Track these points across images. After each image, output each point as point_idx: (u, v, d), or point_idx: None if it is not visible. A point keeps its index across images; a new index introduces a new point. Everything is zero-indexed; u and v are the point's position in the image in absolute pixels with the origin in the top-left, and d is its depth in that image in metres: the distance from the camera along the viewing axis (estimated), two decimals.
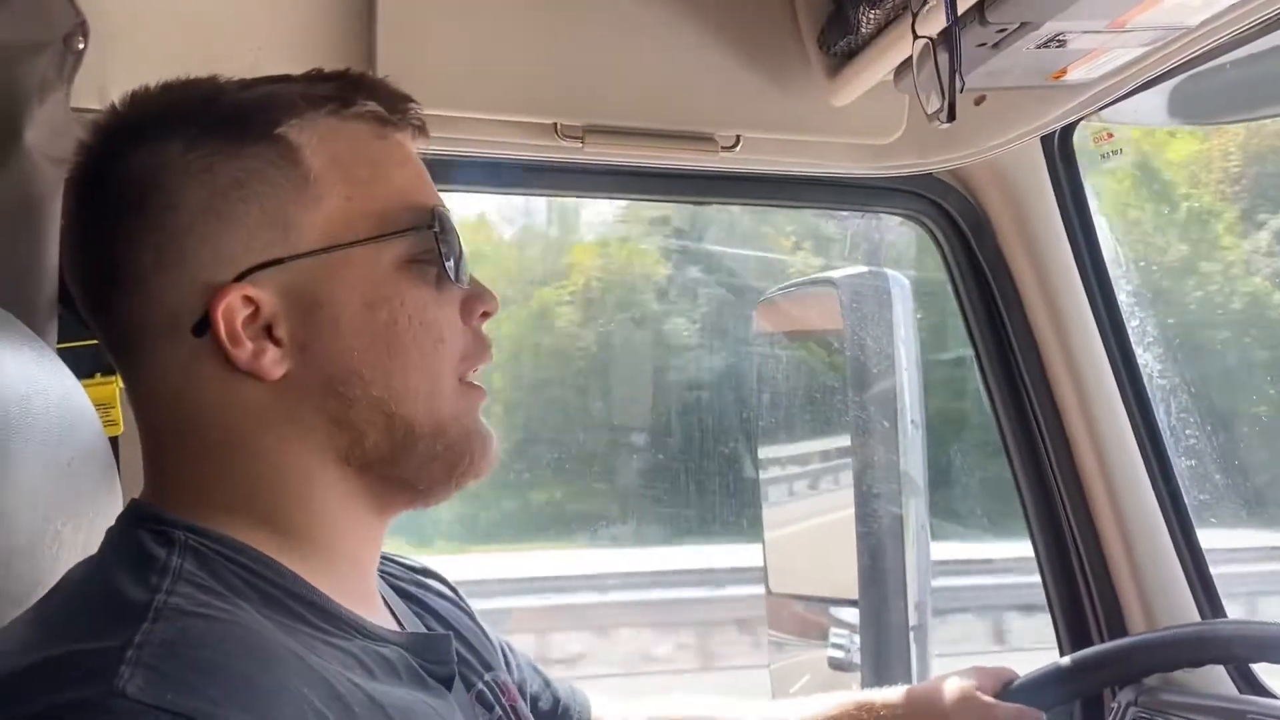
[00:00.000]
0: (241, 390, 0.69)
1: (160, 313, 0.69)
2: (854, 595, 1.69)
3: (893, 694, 1.09)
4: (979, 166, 1.38)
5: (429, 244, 0.72)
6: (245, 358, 0.68)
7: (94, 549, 0.85)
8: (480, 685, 0.78)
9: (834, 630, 1.83)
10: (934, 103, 0.99)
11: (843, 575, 1.73)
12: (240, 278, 0.68)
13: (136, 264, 0.69)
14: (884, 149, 1.30)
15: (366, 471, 0.72)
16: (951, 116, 0.94)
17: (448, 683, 0.74)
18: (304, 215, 0.70)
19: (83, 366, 1.15)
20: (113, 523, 0.88)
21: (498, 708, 0.78)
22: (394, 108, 0.74)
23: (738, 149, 1.25)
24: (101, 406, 1.14)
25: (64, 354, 1.13)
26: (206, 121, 0.70)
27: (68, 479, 0.80)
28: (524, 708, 0.83)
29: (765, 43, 1.22)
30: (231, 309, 0.68)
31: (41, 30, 1.09)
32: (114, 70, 1.13)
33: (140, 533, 0.68)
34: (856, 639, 1.74)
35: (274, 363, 0.69)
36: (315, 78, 0.74)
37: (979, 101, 1.27)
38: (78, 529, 0.80)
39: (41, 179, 1.10)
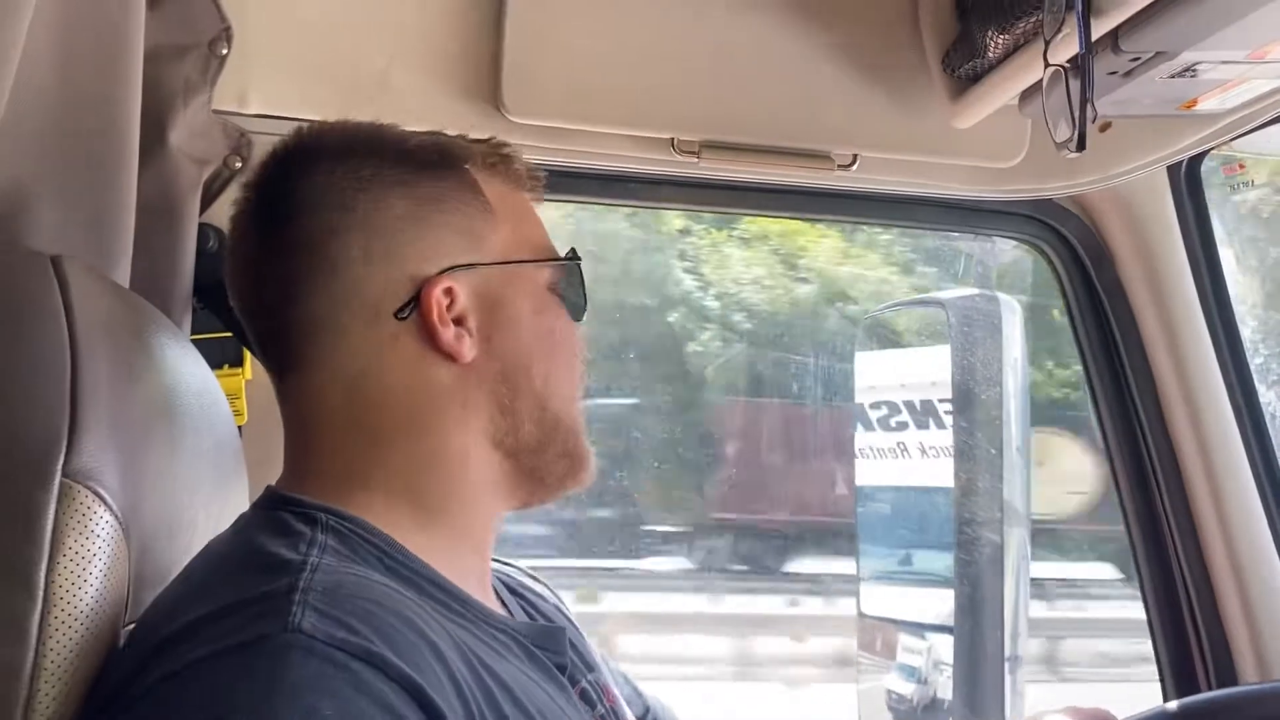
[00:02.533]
0: (432, 370, 0.78)
1: (361, 300, 0.78)
2: (949, 622, 1.67)
3: None
4: (1101, 193, 1.35)
5: (570, 276, 0.85)
6: (449, 338, 0.78)
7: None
8: (585, 683, 0.80)
9: (904, 650, 1.81)
10: (1063, 131, 0.97)
11: (937, 601, 1.71)
12: (444, 272, 0.79)
13: (343, 254, 0.78)
14: (1004, 173, 1.29)
15: (513, 458, 0.80)
16: (1081, 146, 0.93)
17: (562, 671, 0.78)
18: (489, 233, 0.81)
19: (212, 358, 1.20)
20: (239, 508, 0.93)
21: (600, 706, 0.80)
22: (530, 174, 0.87)
23: (854, 168, 1.25)
24: (228, 397, 1.19)
25: (196, 344, 1.19)
26: (401, 152, 0.81)
27: (204, 466, 0.84)
28: (624, 709, 0.85)
29: (888, 62, 1.21)
30: (438, 296, 0.78)
31: (188, 34, 1.13)
32: (253, 75, 1.18)
33: (281, 513, 0.73)
34: (938, 666, 1.72)
35: (469, 347, 0.79)
36: (475, 141, 0.86)
37: (1104, 128, 1.24)
38: (209, 515, 0.84)
39: (183, 178, 1.15)
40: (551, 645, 0.79)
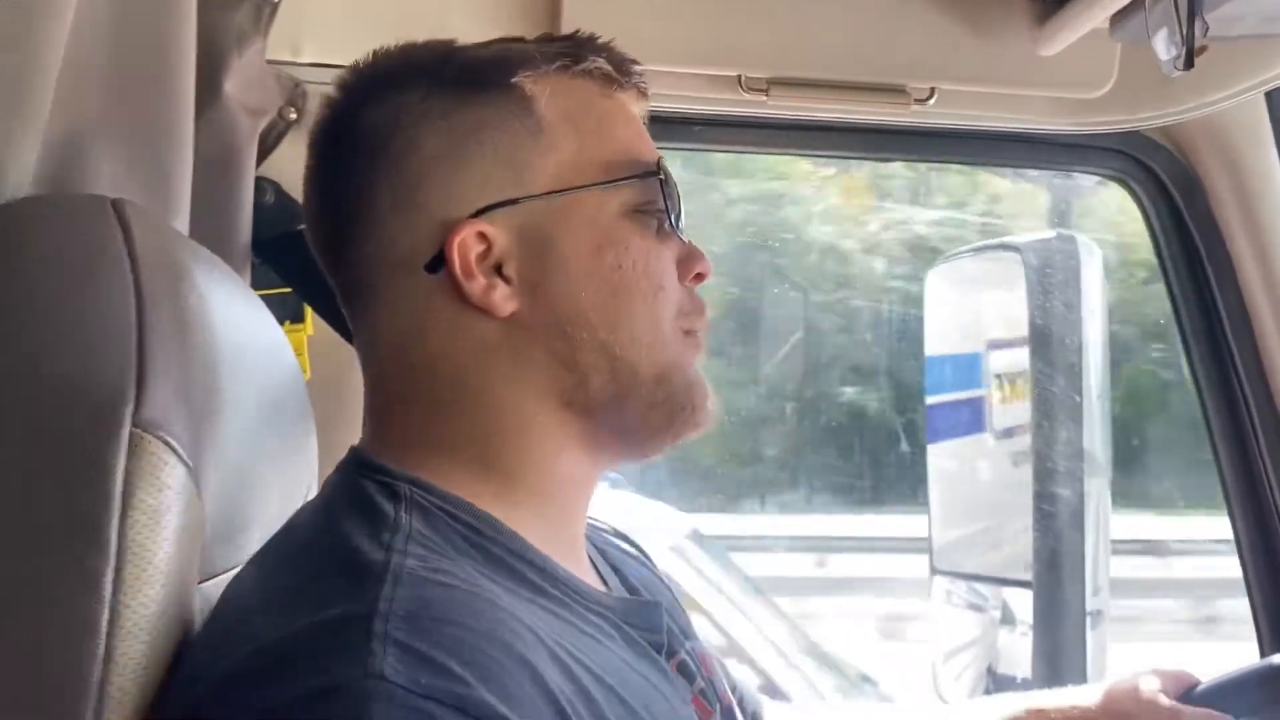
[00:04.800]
0: (472, 326, 0.71)
1: (396, 252, 0.71)
2: (1027, 577, 1.62)
3: (1065, 697, 1.03)
4: (1193, 124, 1.28)
5: (652, 194, 0.74)
6: (477, 291, 0.70)
7: (294, 491, 0.87)
8: (682, 654, 0.76)
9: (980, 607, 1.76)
10: (1165, 50, 0.91)
11: (1015, 555, 1.66)
12: (475, 216, 0.70)
13: (375, 205, 0.72)
14: (1090, 103, 1.22)
15: (588, 416, 0.72)
16: (1190, 63, 0.87)
17: (658, 650, 0.73)
18: (537, 159, 0.72)
19: (272, 313, 1.18)
20: (308, 465, 0.91)
21: (698, 678, 0.76)
22: (621, 69, 0.76)
23: (931, 102, 1.19)
24: None
25: None
26: (444, 74, 0.73)
27: (271, 420, 0.81)
28: (721, 681, 0.81)
29: None
30: (465, 244, 0.70)
31: None
32: (307, 24, 1.15)
33: (365, 483, 0.69)
34: (1016, 623, 1.67)
35: (504, 299, 0.70)
36: (545, 39, 0.77)
37: (1199, 51, 1.17)
38: (278, 470, 0.82)
39: (238, 128, 1.12)
40: (647, 623, 0.73)
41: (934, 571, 1.79)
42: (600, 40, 0.76)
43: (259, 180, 1.17)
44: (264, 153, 1.18)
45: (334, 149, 0.75)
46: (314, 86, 1.20)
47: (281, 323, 1.19)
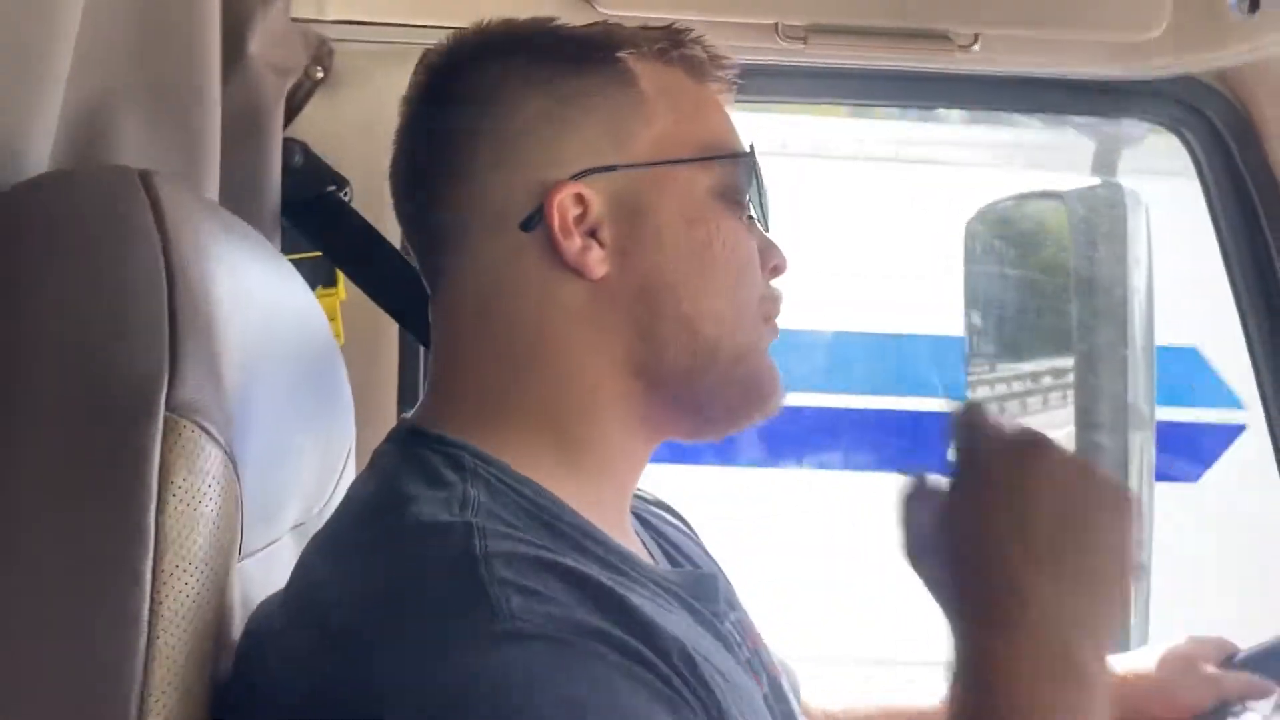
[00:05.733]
0: (560, 286, 0.71)
1: (488, 208, 0.72)
2: None
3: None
4: (1249, 68, 1.22)
5: (744, 179, 0.75)
6: (574, 251, 0.70)
7: (333, 459, 0.86)
8: (728, 624, 0.75)
9: None
10: None
11: None
12: (575, 178, 0.71)
13: (474, 160, 0.72)
14: (1140, 47, 1.17)
15: (657, 389, 0.73)
16: (1255, 5, 0.83)
17: (718, 620, 0.73)
18: (638, 130, 0.73)
19: (304, 278, 1.17)
20: (344, 431, 0.90)
21: (744, 649, 0.75)
22: (715, 61, 0.77)
23: (975, 48, 1.15)
24: None
25: None
26: (549, 43, 0.75)
27: (307, 388, 0.81)
28: (766, 652, 0.80)
29: None
30: (564, 204, 0.70)
31: None
32: None
33: (426, 453, 0.69)
34: None
35: (598, 261, 0.71)
36: (644, 26, 0.78)
37: None
38: (316, 439, 0.81)
39: (265, 88, 1.10)
40: (706, 595, 0.73)
41: None
42: (694, 33, 0.77)
43: (287, 142, 1.15)
44: (291, 113, 1.16)
45: (434, 105, 0.76)
46: (340, 44, 1.18)
47: (314, 287, 1.17)
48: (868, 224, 3.28)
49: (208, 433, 0.56)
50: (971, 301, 1.78)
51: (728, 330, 0.73)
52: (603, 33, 0.76)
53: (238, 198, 1.04)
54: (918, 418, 3.31)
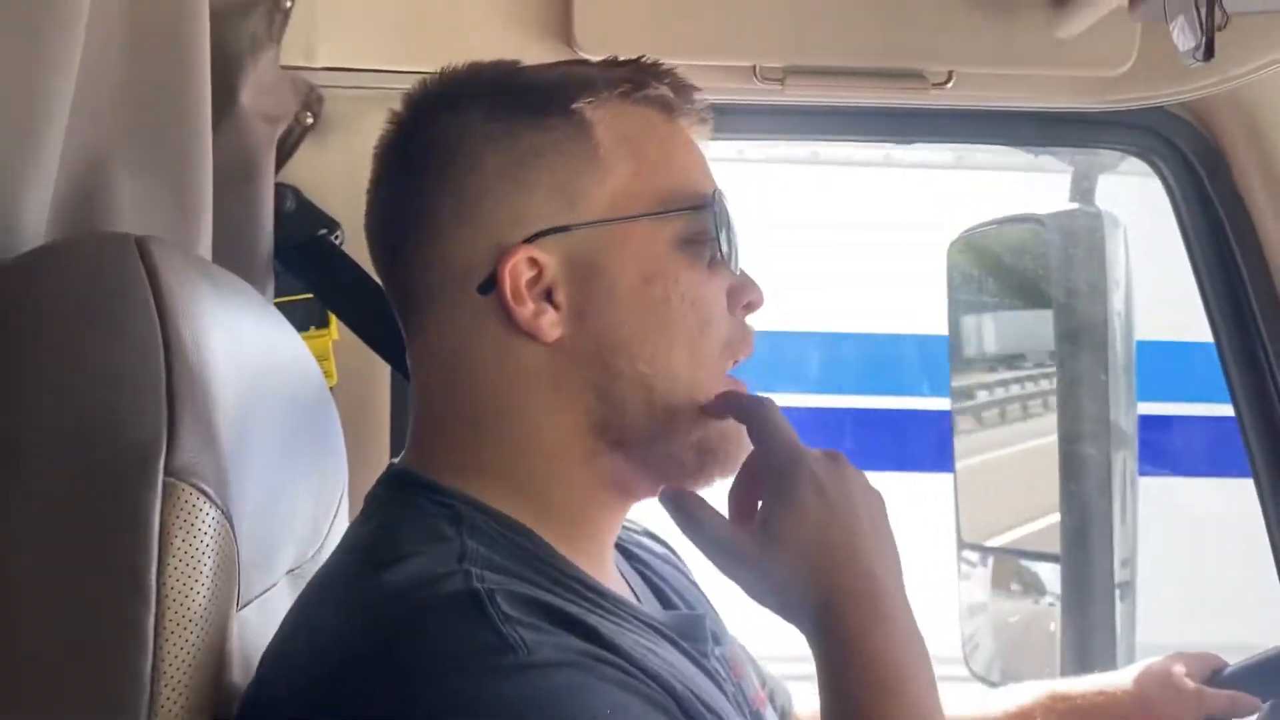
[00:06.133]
0: (517, 351, 0.71)
1: (450, 269, 0.72)
2: (1054, 549, 1.62)
3: (1089, 683, 1.04)
4: (1216, 99, 1.25)
5: (706, 225, 0.74)
6: (526, 316, 0.71)
7: (325, 504, 0.88)
8: (714, 660, 0.77)
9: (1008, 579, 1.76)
10: (1184, 37, 0.90)
11: (1043, 528, 1.66)
12: (528, 240, 0.71)
13: (434, 220, 0.73)
14: (1111, 81, 1.20)
15: (620, 449, 0.73)
16: (1209, 54, 0.86)
17: (707, 659, 0.74)
18: (591, 187, 0.72)
19: (297, 321, 1.18)
20: (338, 472, 0.92)
21: (729, 683, 0.77)
22: (682, 95, 0.76)
23: (949, 85, 1.18)
24: (316, 359, 1.18)
25: (279, 308, 1.17)
26: (508, 94, 0.74)
27: (302, 435, 0.83)
28: (750, 685, 0.82)
29: None
30: (517, 269, 0.71)
31: None
32: (320, 28, 1.15)
33: (421, 500, 0.70)
34: (1044, 595, 1.68)
35: (551, 325, 0.71)
36: (610, 63, 0.77)
37: (1221, 26, 1.15)
38: (310, 484, 0.83)
39: (255, 137, 1.12)
40: (694, 635, 0.74)
41: (961, 543, 1.80)
42: (664, 67, 0.77)
43: (278, 187, 1.17)
44: (282, 158, 1.19)
45: (400, 161, 0.76)
46: (329, 90, 1.20)
47: (306, 328, 1.20)
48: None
49: (205, 494, 0.59)
50: (954, 318, 1.82)
51: (684, 388, 0.72)
52: (562, 80, 0.74)
53: (231, 244, 1.06)
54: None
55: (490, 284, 0.71)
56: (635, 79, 0.75)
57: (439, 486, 0.71)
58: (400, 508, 0.71)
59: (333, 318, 1.21)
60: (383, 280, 0.78)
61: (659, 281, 0.72)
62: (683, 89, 0.76)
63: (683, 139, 0.76)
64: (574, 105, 0.72)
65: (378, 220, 0.78)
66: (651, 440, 0.72)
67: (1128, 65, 1.18)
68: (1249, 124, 1.26)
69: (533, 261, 0.71)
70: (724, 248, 0.74)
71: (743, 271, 0.76)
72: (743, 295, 0.76)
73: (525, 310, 0.71)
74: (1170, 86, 1.22)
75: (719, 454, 0.74)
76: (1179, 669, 1.02)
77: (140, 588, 0.56)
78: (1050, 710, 1.01)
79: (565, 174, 0.72)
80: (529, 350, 0.71)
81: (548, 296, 0.71)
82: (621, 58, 0.78)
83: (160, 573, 0.56)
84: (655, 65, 0.77)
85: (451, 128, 0.73)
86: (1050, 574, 1.65)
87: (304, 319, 1.19)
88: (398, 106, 0.78)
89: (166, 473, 0.57)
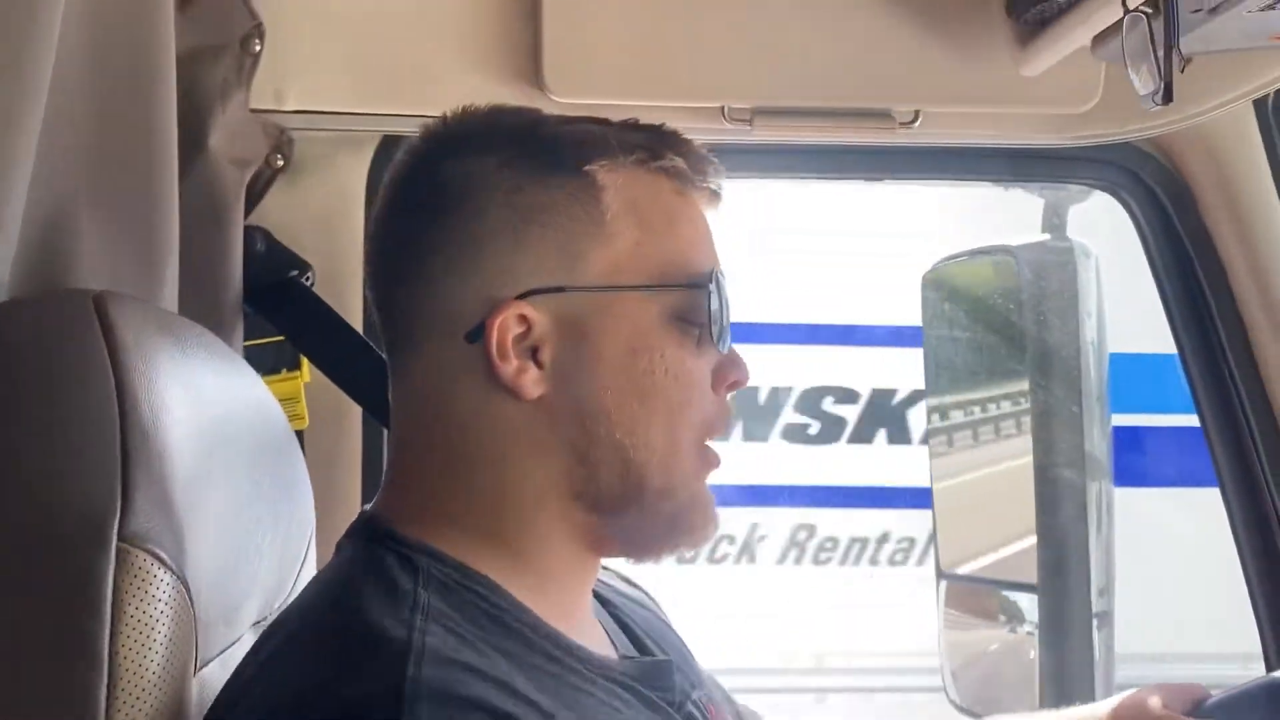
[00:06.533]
0: (497, 405, 0.71)
1: (441, 313, 0.72)
2: (1031, 579, 1.62)
3: (1068, 715, 1.04)
4: (1180, 135, 1.27)
5: (700, 303, 0.74)
6: (509, 373, 0.71)
7: (292, 552, 0.88)
8: (689, 706, 0.77)
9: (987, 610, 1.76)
10: (1145, 80, 0.91)
11: (1020, 559, 1.66)
12: (521, 296, 0.71)
13: (432, 264, 0.73)
14: (1077, 118, 1.21)
15: (594, 511, 0.73)
16: (1168, 98, 0.86)
17: (673, 708, 0.74)
18: (593, 250, 0.72)
19: (267, 363, 1.19)
20: (304, 520, 0.92)
21: None
22: (697, 168, 0.77)
23: (917, 124, 1.19)
24: (287, 401, 1.17)
25: (250, 351, 1.17)
26: (523, 146, 0.74)
27: (265, 488, 0.82)
28: None
29: (948, 10, 1.15)
30: (506, 324, 0.71)
31: (219, 34, 1.11)
32: (289, 71, 1.15)
33: (383, 553, 0.70)
34: (1022, 626, 1.68)
35: (533, 383, 0.71)
36: (629, 125, 0.77)
37: (1184, 65, 1.16)
38: (275, 536, 0.82)
39: (225, 181, 1.12)
40: (659, 683, 0.74)
41: (940, 573, 1.80)
42: (681, 137, 0.77)
43: (249, 229, 1.17)
44: (252, 201, 1.19)
45: (408, 197, 0.76)
46: (300, 133, 1.21)
47: (278, 370, 1.20)
48: None
49: (159, 559, 0.58)
50: (930, 347, 1.82)
51: (658, 461, 0.72)
52: (579, 137, 0.74)
53: (200, 288, 1.06)
54: None
55: (479, 333, 0.71)
56: (652, 147, 0.75)
57: (404, 539, 0.71)
58: (362, 562, 0.71)
59: (304, 360, 1.21)
60: (376, 313, 0.78)
61: (645, 354, 0.72)
62: (698, 162, 0.77)
63: (690, 213, 0.76)
64: (587, 167, 0.73)
65: (377, 253, 0.78)
66: (624, 506, 0.73)
67: (1093, 102, 1.20)
68: (1214, 159, 1.28)
69: (522, 318, 0.71)
70: (714, 328, 0.74)
71: (731, 349, 0.76)
72: (728, 374, 0.76)
73: (509, 367, 0.71)
74: (1135, 123, 1.23)
75: (679, 529, 0.74)
76: (1156, 700, 1.02)
77: (92, 655, 0.56)
78: None
79: (569, 234, 0.72)
80: (510, 405, 0.71)
81: (534, 353, 0.71)
82: (643, 121, 0.78)
83: (113, 640, 0.56)
84: (674, 135, 0.77)
85: (462, 172, 0.73)
86: (1029, 603, 1.65)
87: (275, 361, 1.19)
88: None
89: (120, 539, 0.57)
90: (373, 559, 0.70)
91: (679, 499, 0.74)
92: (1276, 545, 1.29)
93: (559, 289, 0.71)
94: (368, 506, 0.78)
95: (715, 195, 0.78)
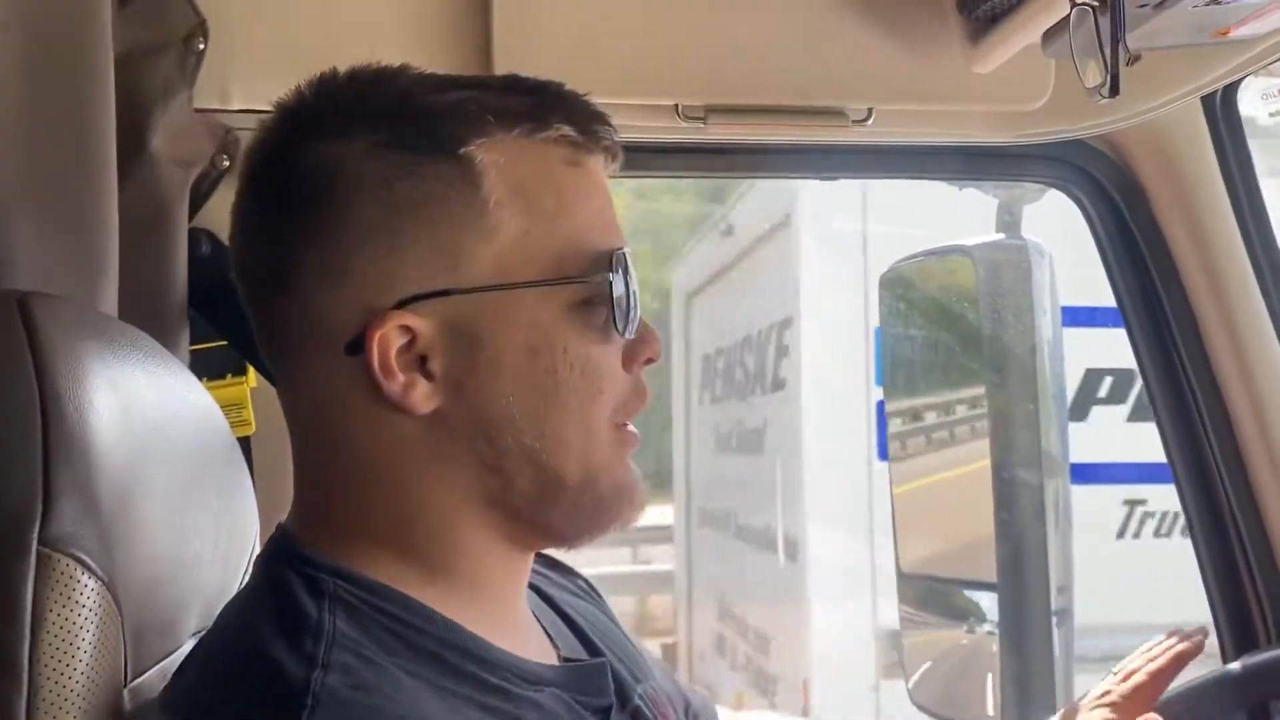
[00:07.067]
0: (389, 421, 0.66)
1: (319, 324, 0.66)
2: (990, 578, 1.63)
3: None
4: (1130, 132, 1.28)
5: (603, 290, 0.67)
6: (395, 391, 0.65)
7: (234, 560, 0.86)
8: (635, 700, 0.74)
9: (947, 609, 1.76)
10: (1092, 74, 0.91)
11: (978, 558, 1.66)
12: (401, 305, 0.65)
13: (303, 270, 0.66)
14: (1028, 116, 1.22)
15: (513, 518, 0.69)
16: (1115, 91, 0.87)
17: (606, 713, 0.71)
18: (477, 246, 0.65)
19: (213, 367, 1.16)
20: (246, 526, 0.89)
21: None
22: (588, 130, 0.69)
23: (869, 122, 1.18)
24: (233, 407, 1.15)
25: (196, 355, 1.15)
26: (391, 127, 0.66)
27: (205, 495, 0.80)
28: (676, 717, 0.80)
29: (900, 9, 1.15)
30: (387, 338, 0.64)
31: (162, 32, 1.08)
32: (234, 70, 1.13)
33: (289, 575, 0.66)
34: (982, 625, 1.68)
35: (424, 397, 0.65)
36: (512, 87, 0.69)
37: (1132, 61, 1.17)
38: (217, 544, 0.80)
39: (168, 183, 1.10)
40: (592, 689, 0.71)
41: (900, 572, 1.80)
42: (569, 95, 0.69)
43: (193, 232, 1.15)
44: (197, 203, 1.16)
45: (268, 191, 0.68)
46: (246, 132, 1.18)
47: (224, 375, 1.18)
48: None
49: (84, 564, 0.56)
50: (887, 348, 1.83)
51: (575, 458, 0.68)
52: (454, 112, 0.66)
53: (142, 292, 1.03)
54: None
55: (359, 345, 0.65)
56: (536, 115, 0.67)
57: (310, 559, 0.66)
58: (267, 586, 0.67)
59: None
60: (251, 319, 0.71)
61: (546, 352, 0.66)
62: (591, 122, 0.69)
63: (586, 186, 0.69)
64: (463, 149, 0.65)
65: (240, 250, 0.70)
66: (545, 507, 0.69)
67: (1044, 100, 1.20)
68: (1164, 155, 1.29)
69: (405, 329, 0.64)
70: (620, 315, 0.68)
71: (641, 322, 0.71)
72: (641, 352, 0.71)
73: (394, 384, 0.64)
74: (1086, 120, 1.24)
75: (605, 514, 0.70)
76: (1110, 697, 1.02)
77: (10, 667, 0.54)
78: None
79: (447, 229, 0.65)
80: (403, 422, 0.66)
81: (422, 363, 0.65)
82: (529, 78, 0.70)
83: (33, 649, 0.54)
84: (560, 95, 0.69)
85: (327, 160, 0.66)
86: (989, 602, 1.65)
87: (221, 366, 1.17)
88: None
89: (40, 542, 0.55)
90: (279, 583, 0.66)
91: (601, 488, 0.69)
92: (1230, 539, 1.30)
93: (443, 293, 0.64)
94: (283, 520, 0.73)
95: (611, 151, 0.71)
